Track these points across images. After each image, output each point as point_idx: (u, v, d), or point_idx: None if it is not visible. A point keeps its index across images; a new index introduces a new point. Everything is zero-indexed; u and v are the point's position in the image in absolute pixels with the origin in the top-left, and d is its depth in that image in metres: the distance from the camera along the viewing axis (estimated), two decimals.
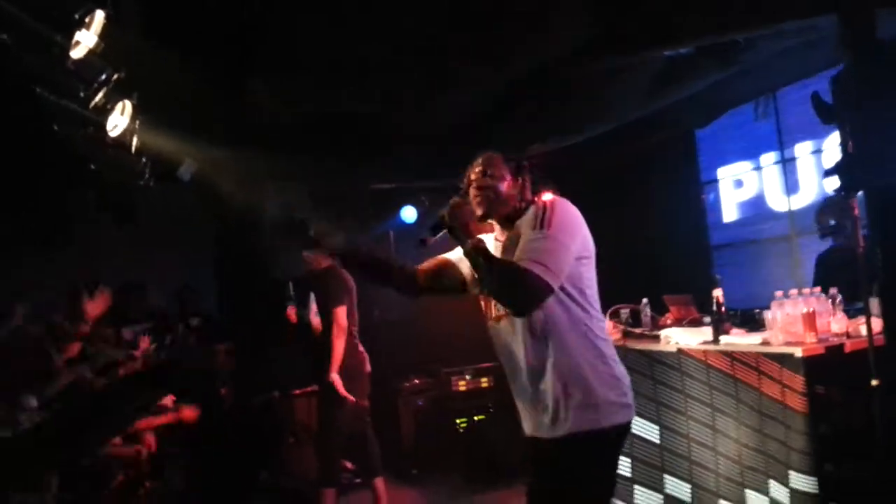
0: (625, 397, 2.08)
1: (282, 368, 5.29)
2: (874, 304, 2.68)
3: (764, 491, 2.90)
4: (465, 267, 2.22)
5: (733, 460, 3.07)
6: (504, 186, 2.13)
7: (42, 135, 3.56)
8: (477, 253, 2.02)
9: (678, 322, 3.73)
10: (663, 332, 3.49)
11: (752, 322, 3.28)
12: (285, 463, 5.15)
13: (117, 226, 4.58)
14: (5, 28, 2.90)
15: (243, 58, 3.82)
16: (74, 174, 4.10)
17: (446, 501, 4.92)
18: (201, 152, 4.34)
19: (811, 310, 2.83)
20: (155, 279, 5.62)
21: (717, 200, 5.64)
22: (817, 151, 4.78)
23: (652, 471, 3.49)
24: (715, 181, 5.64)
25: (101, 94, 3.27)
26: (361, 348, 4.43)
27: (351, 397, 4.15)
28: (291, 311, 4.73)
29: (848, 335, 2.84)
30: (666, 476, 3.43)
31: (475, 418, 5.39)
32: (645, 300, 3.92)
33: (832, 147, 4.57)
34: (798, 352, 2.72)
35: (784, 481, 2.78)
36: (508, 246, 2.10)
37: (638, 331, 3.80)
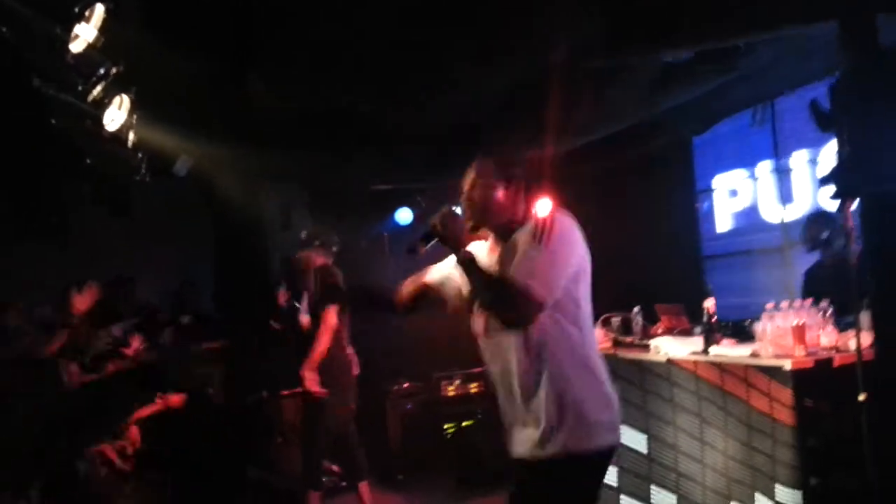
0: (615, 418, 2.07)
1: (274, 367, 5.27)
2: (864, 318, 2.69)
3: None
4: (450, 288, 2.20)
5: (720, 472, 3.06)
6: (495, 195, 2.10)
7: (40, 128, 3.56)
8: (469, 265, 2.01)
9: (669, 331, 3.72)
10: (654, 342, 3.48)
11: (743, 333, 3.27)
12: (274, 462, 5.14)
13: (113, 220, 4.59)
14: (5, 21, 2.90)
15: (241, 54, 3.83)
16: (71, 168, 4.11)
17: None
18: (198, 148, 4.35)
19: (801, 322, 2.83)
20: (151, 274, 5.62)
21: (710, 210, 5.64)
22: (812, 161, 4.79)
23: (638, 481, 3.49)
24: (710, 190, 5.65)
25: (99, 88, 3.28)
26: (350, 350, 4.41)
27: (320, 391, 4.08)
28: (282, 295, 4.65)
29: (837, 349, 2.84)
30: (652, 487, 3.43)
31: (463, 424, 5.37)
32: (636, 308, 3.91)
33: (828, 157, 4.57)
34: (787, 365, 2.71)
35: (770, 494, 2.78)
36: (504, 258, 2.07)
37: (628, 339, 3.79)
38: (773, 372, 2.77)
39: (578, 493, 2.05)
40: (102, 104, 3.36)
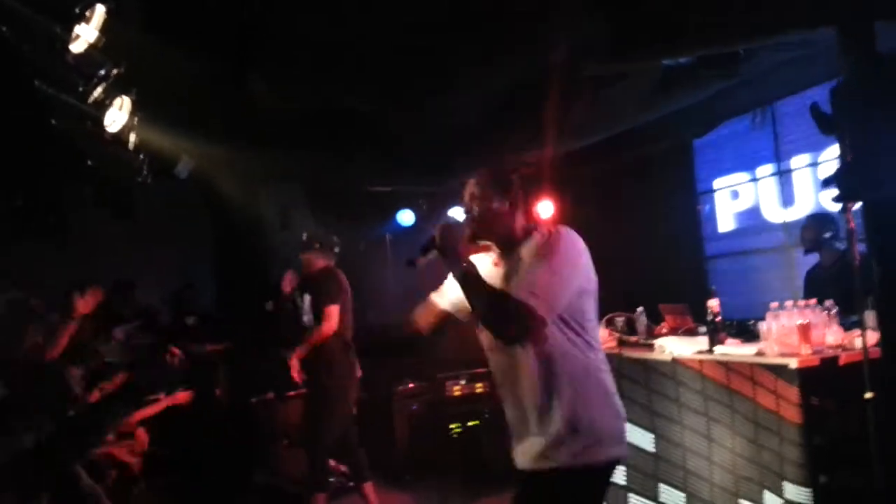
0: (622, 431, 2.07)
1: (276, 368, 5.26)
2: (869, 316, 2.68)
3: (758, 501, 2.90)
4: (462, 308, 2.16)
5: (728, 470, 3.06)
6: (496, 208, 2.07)
7: (40, 129, 3.55)
8: (468, 279, 1.98)
9: (673, 331, 3.72)
10: (658, 341, 3.48)
11: (748, 333, 3.27)
12: (279, 464, 5.12)
13: (115, 221, 4.57)
14: (5, 21, 2.89)
15: (242, 54, 3.82)
16: (72, 169, 4.09)
17: None
18: (199, 149, 4.34)
19: (806, 321, 2.83)
20: (153, 275, 5.61)
21: (713, 211, 5.65)
22: (813, 164, 4.80)
23: (646, 479, 3.48)
24: (711, 191, 5.65)
25: (100, 90, 3.26)
26: (353, 353, 4.39)
27: (301, 378, 4.10)
28: (287, 282, 4.59)
29: (843, 347, 2.84)
30: (660, 485, 3.42)
31: (469, 424, 5.36)
32: (640, 309, 3.91)
33: (829, 159, 4.58)
34: (793, 363, 2.71)
35: (778, 492, 2.77)
36: (510, 273, 2.05)
37: (633, 339, 3.79)
38: (779, 370, 2.77)
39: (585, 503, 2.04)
40: (103, 105, 3.35)
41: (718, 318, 3.23)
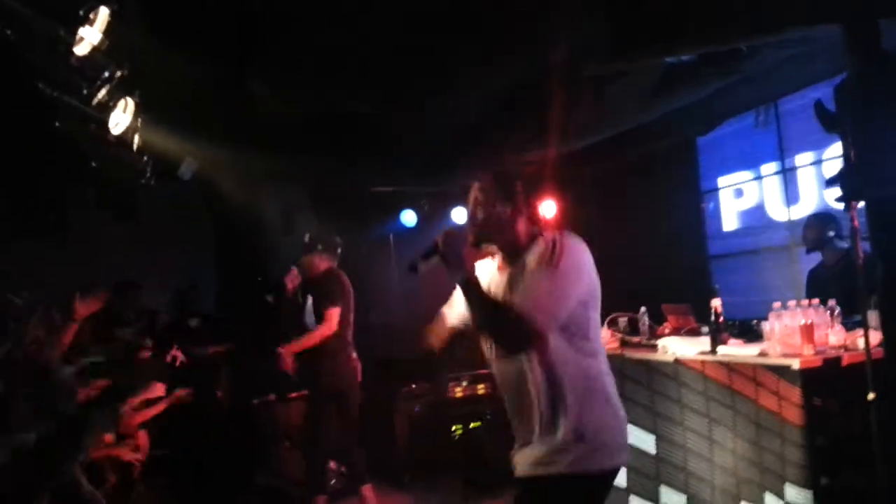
0: (624, 440, 2.08)
1: (279, 370, 5.27)
2: (872, 316, 2.67)
3: (759, 503, 2.89)
4: (469, 324, 2.16)
5: (729, 472, 3.05)
6: (499, 213, 2.07)
7: (44, 131, 3.56)
8: (469, 286, 1.98)
9: (676, 331, 3.71)
10: (661, 342, 3.47)
11: (750, 333, 3.26)
12: (281, 466, 5.13)
13: (117, 223, 4.58)
14: (9, 24, 2.90)
15: (245, 57, 3.83)
16: (75, 171, 4.10)
17: None
18: (202, 151, 4.35)
19: (809, 321, 2.82)
20: (155, 277, 5.62)
21: (716, 209, 5.63)
22: (817, 162, 4.78)
23: (647, 481, 3.47)
24: (715, 190, 5.64)
25: (103, 92, 3.26)
26: (355, 356, 4.39)
27: (289, 366, 4.11)
28: (291, 280, 4.61)
29: (846, 348, 2.83)
30: (661, 487, 3.41)
31: (471, 425, 5.36)
32: (643, 309, 3.90)
33: (833, 157, 4.57)
34: (795, 364, 2.70)
35: (780, 494, 2.76)
36: (513, 278, 2.05)
37: (635, 339, 3.78)
38: (781, 371, 2.76)
39: None
40: (107, 107, 3.36)
41: (721, 319, 3.23)
